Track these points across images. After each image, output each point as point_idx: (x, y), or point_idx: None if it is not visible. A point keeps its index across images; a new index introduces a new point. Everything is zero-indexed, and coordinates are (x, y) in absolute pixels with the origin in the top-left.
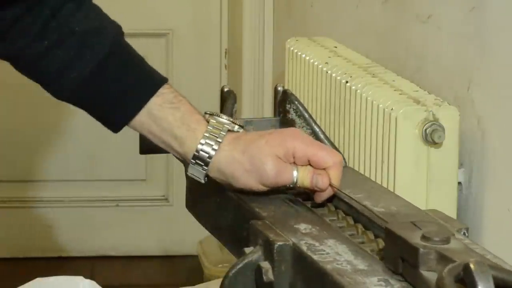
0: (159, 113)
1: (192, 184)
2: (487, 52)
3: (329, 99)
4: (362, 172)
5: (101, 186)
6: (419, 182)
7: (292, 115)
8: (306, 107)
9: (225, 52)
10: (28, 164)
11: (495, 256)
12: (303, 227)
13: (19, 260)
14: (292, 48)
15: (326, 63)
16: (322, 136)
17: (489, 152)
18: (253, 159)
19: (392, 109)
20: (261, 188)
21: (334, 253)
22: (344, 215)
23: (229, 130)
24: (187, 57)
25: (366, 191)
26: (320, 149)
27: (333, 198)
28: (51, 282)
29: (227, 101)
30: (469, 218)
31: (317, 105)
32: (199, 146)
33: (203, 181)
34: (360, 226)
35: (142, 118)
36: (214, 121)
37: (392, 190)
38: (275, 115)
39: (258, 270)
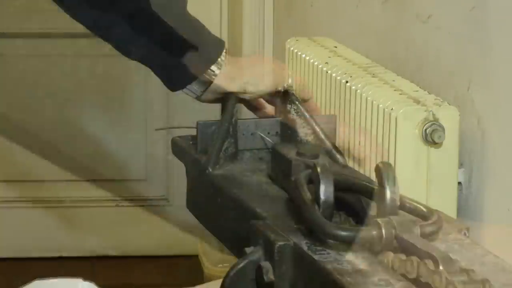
0: None
1: (192, 184)
2: (487, 52)
3: (329, 99)
4: (362, 172)
5: (101, 186)
6: (419, 182)
7: (293, 115)
8: None
9: (225, 52)
10: (28, 164)
11: (495, 256)
12: (303, 226)
13: (19, 260)
14: (292, 48)
15: (326, 63)
16: (322, 136)
17: (489, 152)
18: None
19: (392, 109)
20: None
21: (334, 253)
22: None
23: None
24: None
25: None
26: None
27: None
28: (50, 284)
29: (228, 101)
30: (469, 218)
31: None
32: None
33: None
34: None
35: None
36: None
37: None
38: (275, 115)
39: (259, 270)
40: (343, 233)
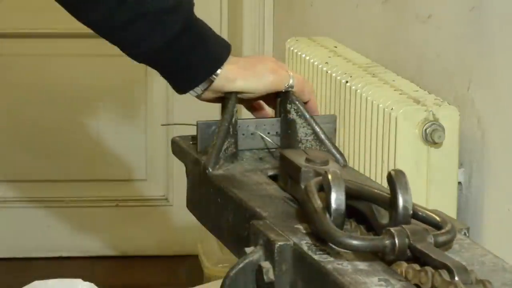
0: None
1: (192, 184)
2: (487, 52)
3: (329, 99)
4: (362, 172)
5: (101, 186)
6: (419, 182)
7: (293, 115)
8: None
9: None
10: (28, 164)
11: (495, 256)
12: (303, 227)
13: (19, 260)
14: (292, 48)
15: (326, 63)
16: (323, 136)
17: (489, 152)
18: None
19: (392, 109)
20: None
21: (334, 253)
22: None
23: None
24: None
25: None
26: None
27: None
28: (50, 285)
29: (228, 101)
30: (469, 218)
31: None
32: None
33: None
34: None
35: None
36: None
37: None
38: (276, 115)
39: (259, 270)
40: (355, 242)
